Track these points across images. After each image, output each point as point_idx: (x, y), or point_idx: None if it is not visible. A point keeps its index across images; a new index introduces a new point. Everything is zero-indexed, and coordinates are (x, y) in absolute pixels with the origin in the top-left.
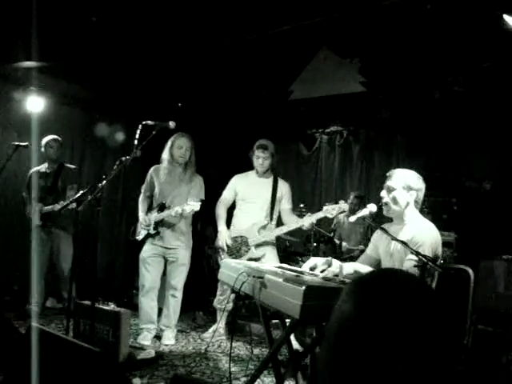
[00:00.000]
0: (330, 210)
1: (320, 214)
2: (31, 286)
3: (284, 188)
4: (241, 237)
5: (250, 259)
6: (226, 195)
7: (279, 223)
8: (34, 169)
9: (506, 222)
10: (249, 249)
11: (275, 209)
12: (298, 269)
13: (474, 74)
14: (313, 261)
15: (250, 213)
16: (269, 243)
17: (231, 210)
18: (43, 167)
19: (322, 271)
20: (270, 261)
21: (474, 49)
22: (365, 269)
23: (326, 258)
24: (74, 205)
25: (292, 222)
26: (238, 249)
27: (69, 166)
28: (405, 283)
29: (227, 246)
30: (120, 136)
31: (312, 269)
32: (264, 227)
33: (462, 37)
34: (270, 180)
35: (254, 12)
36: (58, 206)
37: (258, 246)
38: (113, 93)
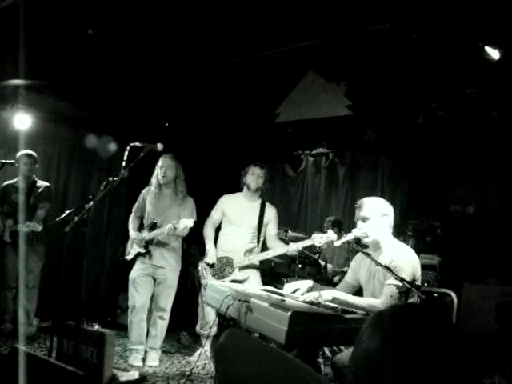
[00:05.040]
0: (317, 239)
1: (307, 242)
2: (5, 304)
3: (271, 213)
4: (226, 258)
5: (234, 281)
6: (214, 215)
7: (263, 247)
8: (7, 182)
9: (489, 245)
10: (233, 270)
11: (261, 233)
12: (282, 291)
13: (457, 100)
14: (295, 285)
15: (235, 235)
16: (253, 267)
17: (218, 231)
18: (17, 181)
19: (302, 294)
20: (253, 284)
21: (458, 76)
22: (343, 296)
23: (307, 281)
24: (39, 227)
25: (277, 248)
26: (222, 269)
27: (41, 182)
28: (427, 318)
29: (212, 265)
30: (107, 154)
31: (293, 292)
32: (250, 251)
33: (445, 64)
34: (258, 204)
35: (242, 35)
36: (24, 229)
37: (242, 268)
38: (100, 111)
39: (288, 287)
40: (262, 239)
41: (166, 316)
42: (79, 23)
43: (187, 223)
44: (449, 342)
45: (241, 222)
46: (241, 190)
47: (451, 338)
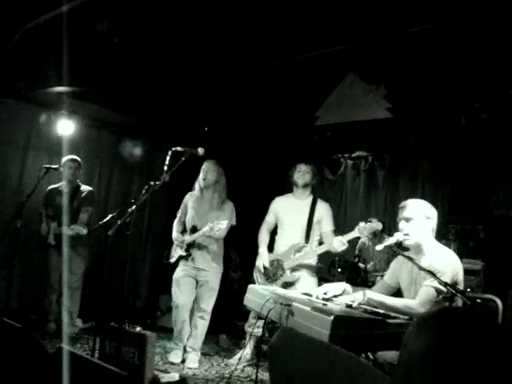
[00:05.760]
0: (361, 230)
1: (352, 234)
2: (49, 304)
3: (323, 210)
4: (277, 260)
5: (286, 283)
6: (268, 219)
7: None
8: (52, 186)
9: None
10: (284, 272)
11: (312, 231)
12: (324, 295)
13: (501, 101)
14: (325, 287)
15: (287, 236)
16: (305, 267)
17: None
18: (61, 185)
19: (334, 296)
20: (304, 286)
21: (501, 76)
22: (379, 296)
23: (340, 284)
24: (84, 231)
25: (325, 244)
26: (274, 272)
27: (85, 187)
28: (473, 320)
29: (264, 268)
30: (147, 159)
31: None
32: (299, 250)
33: (489, 64)
34: (309, 201)
35: (281, 38)
36: (69, 231)
37: (293, 269)
38: (141, 117)
39: (318, 290)
40: (315, 238)
41: (207, 317)
42: (119, 31)
43: (220, 225)
44: (496, 344)
45: (291, 221)
46: (288, 191)
47: (499, 340)
